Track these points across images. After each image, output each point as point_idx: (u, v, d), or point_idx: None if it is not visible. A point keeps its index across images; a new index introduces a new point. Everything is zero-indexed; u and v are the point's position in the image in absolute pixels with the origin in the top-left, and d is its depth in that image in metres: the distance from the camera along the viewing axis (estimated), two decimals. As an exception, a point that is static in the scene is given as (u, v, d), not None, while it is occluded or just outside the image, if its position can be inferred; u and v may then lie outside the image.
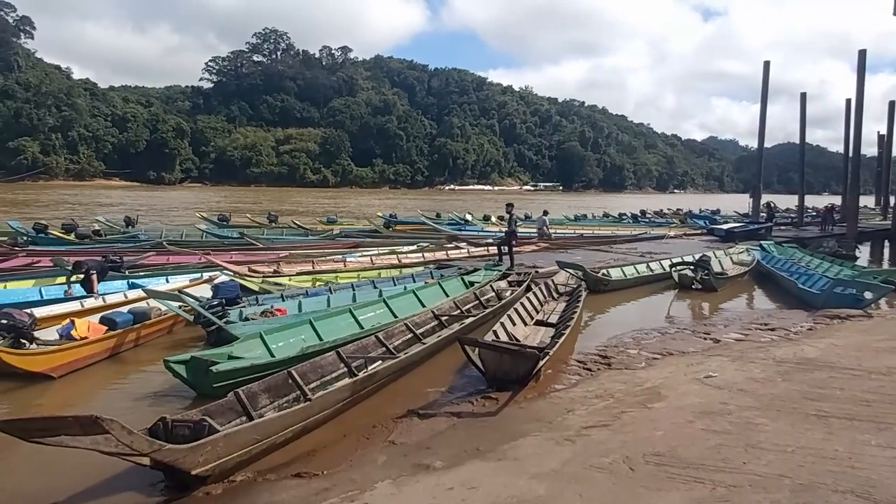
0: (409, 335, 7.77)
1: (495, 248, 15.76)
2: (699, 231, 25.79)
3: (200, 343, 7.73)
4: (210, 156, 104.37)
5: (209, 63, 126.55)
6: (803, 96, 30.07)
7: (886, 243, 24.08)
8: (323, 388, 5.69)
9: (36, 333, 6.65)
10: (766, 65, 27.86)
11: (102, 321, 7.37)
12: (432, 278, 11.99)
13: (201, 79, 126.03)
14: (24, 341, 6.43)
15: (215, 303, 8.01)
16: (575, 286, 11.22)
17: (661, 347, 7.77)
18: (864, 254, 20.88)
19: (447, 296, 10.31)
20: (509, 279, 12.37)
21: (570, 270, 12.17)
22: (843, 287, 11.14)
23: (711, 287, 12.45)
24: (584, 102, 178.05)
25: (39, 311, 7.67)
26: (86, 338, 6.87)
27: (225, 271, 11.53)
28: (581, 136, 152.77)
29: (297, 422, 4.74)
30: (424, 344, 7.39)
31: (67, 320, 7.21)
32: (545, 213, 23.61)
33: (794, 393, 5.51)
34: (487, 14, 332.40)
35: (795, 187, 34.14)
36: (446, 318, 8.77)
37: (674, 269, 13.22)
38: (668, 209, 40.98)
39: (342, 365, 6.21)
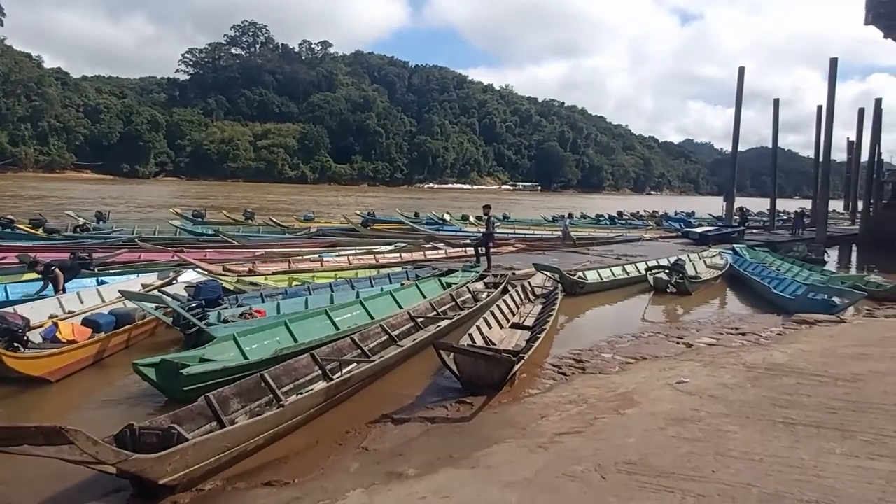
0: (385, 337, 7.73)
1: (473, 249, 15.78)
2: (674, 233, 26.17)
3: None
4: (186, 149, 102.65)
5: (186, 55, 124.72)
6: (776, 102, 30.75)
7: (854, 248, 24.71)
8: (296, 391, 5.64)
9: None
10: (741, 71, 28.40)
11: (85, 323, 7.18)
12: (409, 279, 11.96)
13: (178, 70, 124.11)
14: (17, 345, 6.26)
15: (194, 304, 7.87)
16: (551, 289, 11.27)
17: (636, 352, 7.85)
18: (832, 258, 21.38)
19: (424, 297, 10.28)
20: (486, 281, 12.39)
21: (547, 273, 12.23)
22: (816, 293, 11.40)
23: (686, 290, 12.62)
24: (563, 103, 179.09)
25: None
26: (73, 341, 6.70)
27: (198, 270, 11.36)
28: (560, 136, 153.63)
29: (269, 428, 4.67)
30: (400, 346, 7.37)
31: (50, 322, 7.02)
32: (570, 215, 23.82)
33: (763, 399, 5.59)
34: (468, 12, 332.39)
35: (768, 191, 34.78)
36: (422, 319, 8.75)
37: (649, 272, 13.37)
38: (645, 211, 41.50)
39: (316, 368, 6.16)
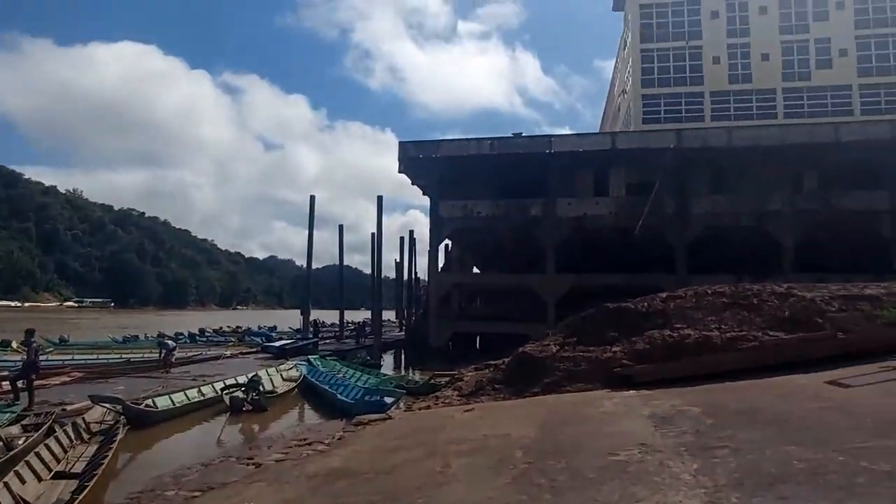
0: None
1: (10, 383, 12.91)
2: (255, 349, 26.60)
3: None
4: None
5: None
6: (341, 228, 35.72)
7: (402, 351, 29.61)
8: None
9: None
10: (312, 198, 32.01)
11: None
12: None
13: None
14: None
15: None
16: (112, 423, 10.05)
17: (202, 482, 7.53)
18: (387, 362, 25.04)
19: (-80, 459, 7.79)
20: (24, 422, 10.22)
21: (107, 404, 10.88)
22: (370, 395, 13.10)
23: (262, 407, 12.85)
24: (144, 213, 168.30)
25: None
26: None
27: None
28: (140, 248, 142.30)
29: None
30: None
31: None
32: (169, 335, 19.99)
33: (318, 507, 6.04)
34: (28, 103, 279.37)
35: (341, 304, 39.08)
36: None
37: (225, 391, 13.22)
38: (228, 327, 41.19)
39: None
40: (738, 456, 4.48)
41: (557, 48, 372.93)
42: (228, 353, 24.86)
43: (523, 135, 30.84)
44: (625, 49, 46.59)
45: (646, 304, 11.78)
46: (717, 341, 9.57)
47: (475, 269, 37.64)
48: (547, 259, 27.10)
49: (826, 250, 25.06)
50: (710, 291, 11.68)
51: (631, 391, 8.66)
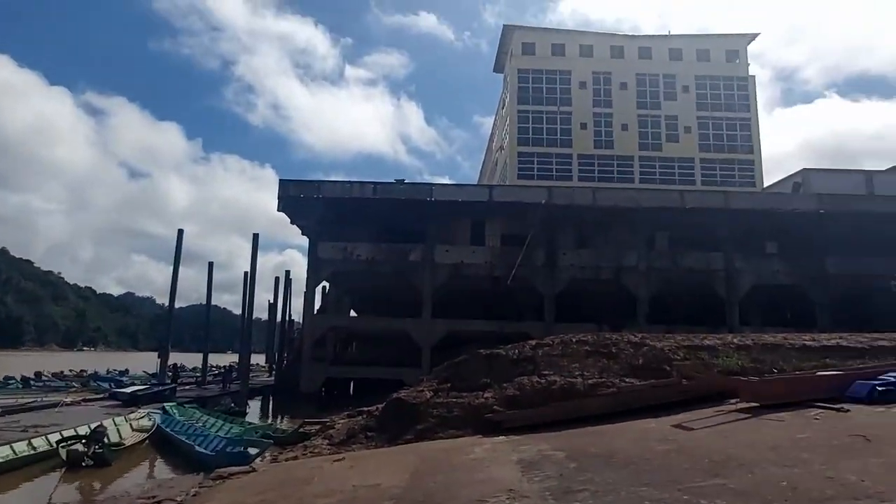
0: None
1: None
2: (103, 395, 23.99)
3: None
4: None
5: None
6: (210, 265, 33.70)
7: (271, 397, 28.17)
8: None
9: None
10: (180, 232, 30.10)
11: None
12: None
13: None
14: None
15: None
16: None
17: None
18: (254, 409, 23.64)
19: None
20: None
21: None
22: (233, 445, 12.24)
23: (106, 461, 11.59)
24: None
25: None
26: None
27: None
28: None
29: None
30: None
31: None
32: None
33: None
34: None
35: (205, 347, 36.54)
36: None
37: (62, 444, 11.78)
38: (71, 370, 37.04)
39: None
40: (596, 498, 4.73)
41: (441, 101, 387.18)
42: (69, 399, 22.06)
43: (405, 181, 31.51)
44: (503, 108, 49.58)
45: (517, 351, 12.26)
46: (580, 387, 10.13)
47: (353, 313, 37.08)
48: (424, 304, 27.39)
49: (673, 304, 27.68)
50: (574, 340, 12.40)
51: (501, 437, 8.88)
